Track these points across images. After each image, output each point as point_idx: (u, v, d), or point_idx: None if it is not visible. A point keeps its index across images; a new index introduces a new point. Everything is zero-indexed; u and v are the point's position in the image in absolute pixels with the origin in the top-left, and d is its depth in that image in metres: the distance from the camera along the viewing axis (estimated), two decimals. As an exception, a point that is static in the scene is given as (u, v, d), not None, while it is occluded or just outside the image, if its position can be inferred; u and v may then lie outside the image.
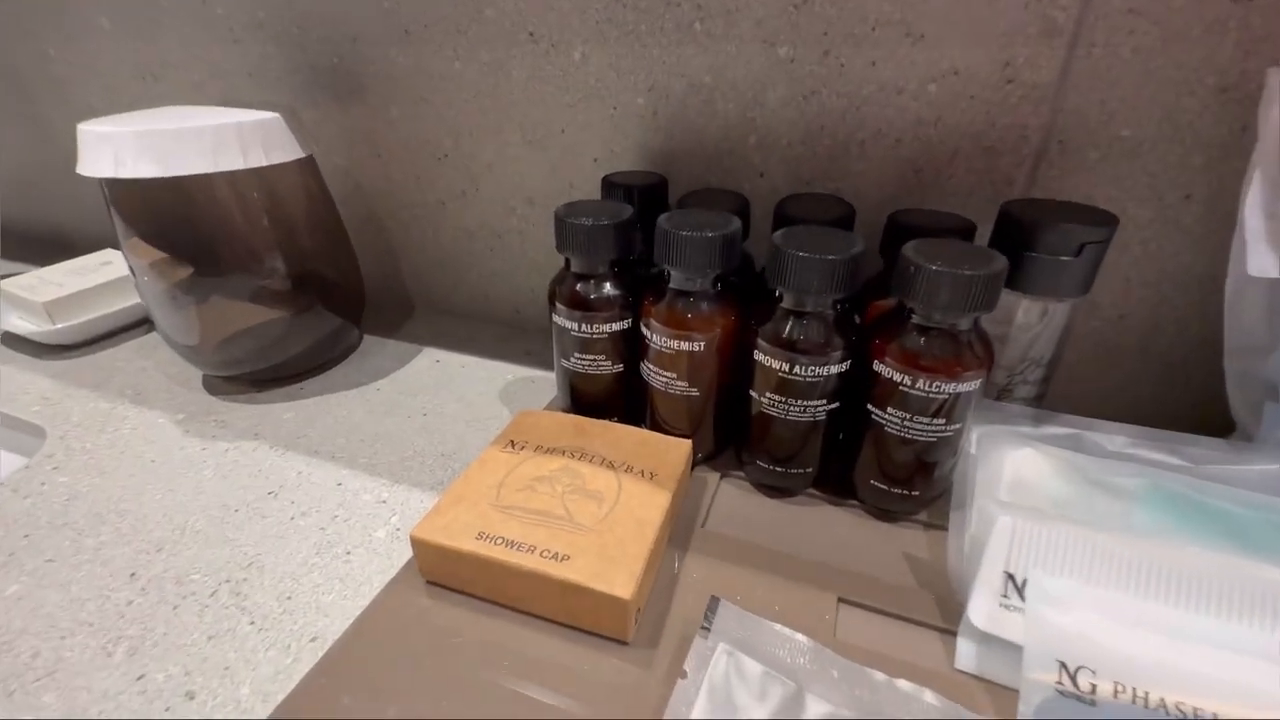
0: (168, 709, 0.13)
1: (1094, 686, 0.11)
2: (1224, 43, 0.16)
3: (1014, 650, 0.12)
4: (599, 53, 0.21)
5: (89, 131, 0.19)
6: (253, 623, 0.15)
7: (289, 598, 0.16)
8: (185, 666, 0.14)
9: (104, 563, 0.17)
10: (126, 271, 0.30)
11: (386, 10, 0.23)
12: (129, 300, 0.29)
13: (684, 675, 0.12)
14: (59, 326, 0.27)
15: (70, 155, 0.23)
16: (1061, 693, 0.12)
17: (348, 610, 0.15)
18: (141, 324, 0.30)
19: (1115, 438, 0.17)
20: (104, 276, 0.29)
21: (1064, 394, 0.21)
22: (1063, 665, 0.12)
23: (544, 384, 0.25)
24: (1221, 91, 0.16)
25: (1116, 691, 0.11)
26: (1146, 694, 0.11)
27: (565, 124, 0.23)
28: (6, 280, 0.28)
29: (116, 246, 0.33)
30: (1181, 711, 0.11)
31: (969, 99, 0.18)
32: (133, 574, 0.16)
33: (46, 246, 0.40)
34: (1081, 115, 0.17)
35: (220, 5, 0.26)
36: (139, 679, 0.14)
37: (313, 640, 0.14)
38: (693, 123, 0.21)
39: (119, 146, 0.19)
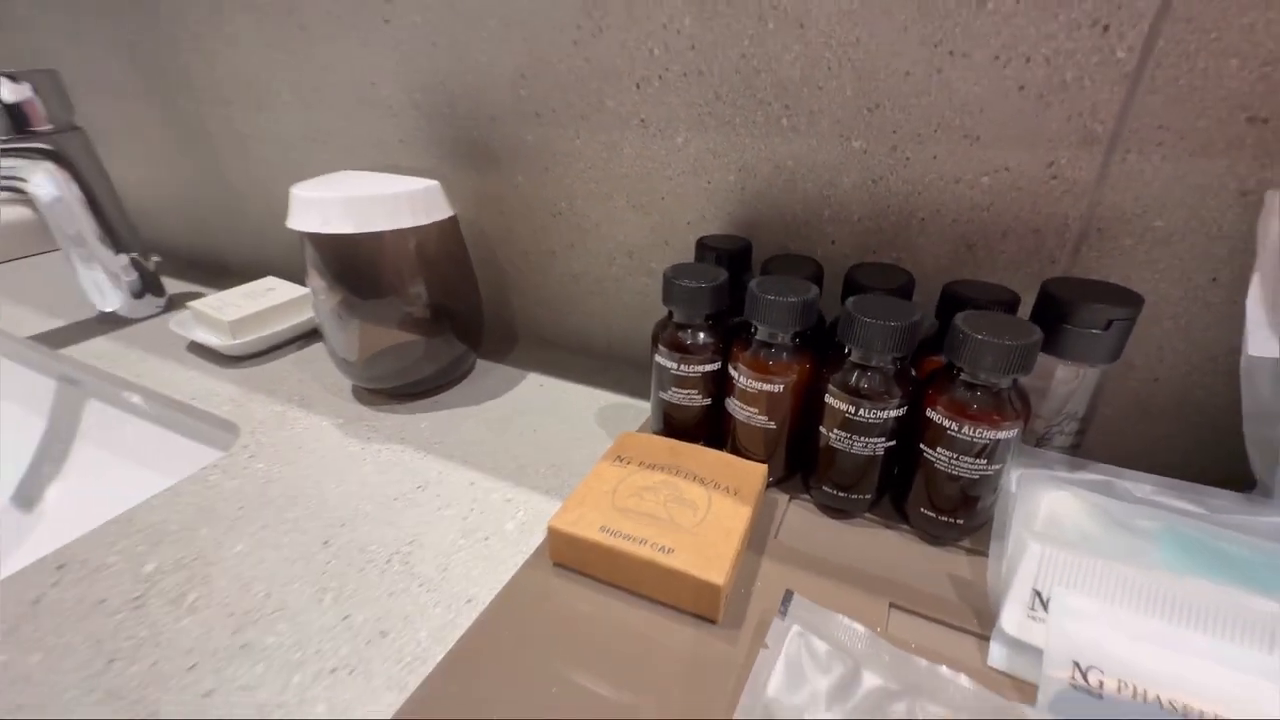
0: (368, 642, 0.17)
1: (1101, 683, 0.14)
2: (1243, 155, 0.18)
3: (1036, 652, 0.15)
4: (699, 138, 0.26)
5: (302, 196, 0.25)
6: (421, 585, 0.19)
7: (445, 569, 0.20)
8: (376, 613, 0.18)
9: (302, 532, 0.21)
10: (288, 296, 0.36)
11: (522, 98, 0.28)
12: (290, 321, 0.35)
13: (765, 646, 0.16)
14: (239, 341, 0.33)
15: (242, 199, 0.28)
16: (1074, 687, 0.14)
17: (492, 582, 0.19)
18: (297, 340, 0.35)
19: (1142, 485, 0.19)
20: (271, 300, 0.35)
21: (1101, 444, 0.24)
22: (1076, 664, 0.15)
23: (633, 410, 0.29)
24: (1242, 195, 0.19)
25: (1120, 688, 0.14)
26: (1146, 691, 0.14)
27: (665, 193, 0.27)
28: (197, 301, 0.35)
29: (273, 273, 0.40)
30: (1175, 708, 0.14)
31: (1017, 190, 0.21)
32: (325, 542, 0.21)
33: (208, 270, 0.47)
34: (1118, 208, 0.20)
35: (384, 87, 0.32)
36: (344, 619, 0.18)
37: (468, 602, 0.19)
38: (776, 198, 0.25)
39: (326, 209, 0.24)
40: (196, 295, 0.39)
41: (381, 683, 0.16)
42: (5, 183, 0.33)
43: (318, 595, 0.19)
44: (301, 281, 0.31)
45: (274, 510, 0.22)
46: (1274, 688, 0.14)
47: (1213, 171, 0.19)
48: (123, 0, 0.38)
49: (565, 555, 0.19)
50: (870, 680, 0.15)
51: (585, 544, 0.18)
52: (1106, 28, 0.18)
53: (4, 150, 0.33)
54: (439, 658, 0.16)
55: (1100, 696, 0.14)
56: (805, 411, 0.21)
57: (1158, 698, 0.14)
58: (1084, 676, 0.14)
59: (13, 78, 0.32)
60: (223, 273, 0.47)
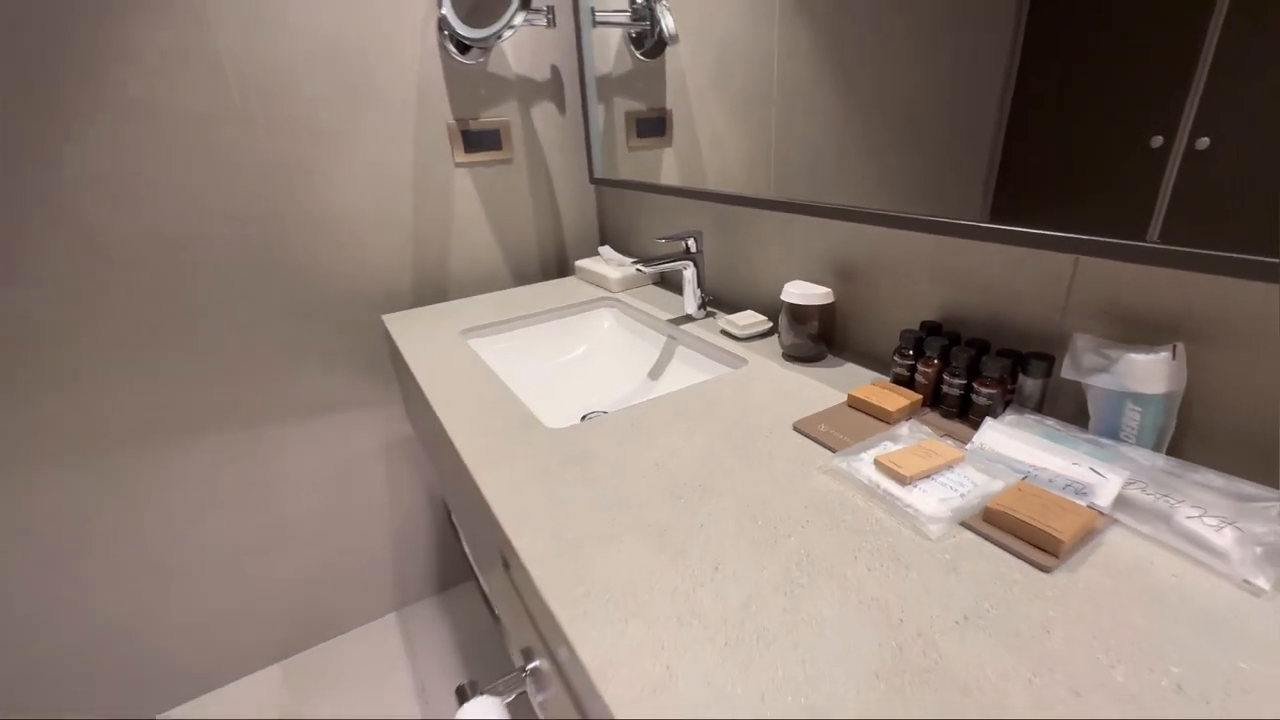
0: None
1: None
2: None
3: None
4: (939, 283, 0.67)
5: (791, 290, 0.75)
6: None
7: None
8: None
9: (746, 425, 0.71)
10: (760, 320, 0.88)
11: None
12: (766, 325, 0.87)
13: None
14: (741, 335, 0.86)
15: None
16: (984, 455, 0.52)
17: (830, 411, 0.65)
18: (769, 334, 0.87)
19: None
20: (754, 321, 0.87)
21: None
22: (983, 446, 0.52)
23: (893, 384, 0.71)
24: None
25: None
26: (1018, 459, 0.51)
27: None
28: (722, 315, 0.90)
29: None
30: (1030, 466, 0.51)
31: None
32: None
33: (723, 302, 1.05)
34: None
35: (818, 244, 0.80)
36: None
37: (823, 412, 0.65)
38: None
39: (797, 289, 0.74)
40: (721, 310, 0.95)
41: (801, 419, 0.64)
42: None
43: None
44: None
45: (739, 404, 0.72)
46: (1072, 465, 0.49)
47: None
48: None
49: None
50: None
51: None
52: (1080, 272, 0.54)
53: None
54: (816, 418, 0.63)
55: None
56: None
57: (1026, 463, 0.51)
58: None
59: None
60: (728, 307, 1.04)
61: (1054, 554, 0.41)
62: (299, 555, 1.20)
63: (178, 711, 1.17)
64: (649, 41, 1.06)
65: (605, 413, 0.70)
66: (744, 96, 0.85)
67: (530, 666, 0.51)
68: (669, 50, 0.99)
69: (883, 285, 0.71)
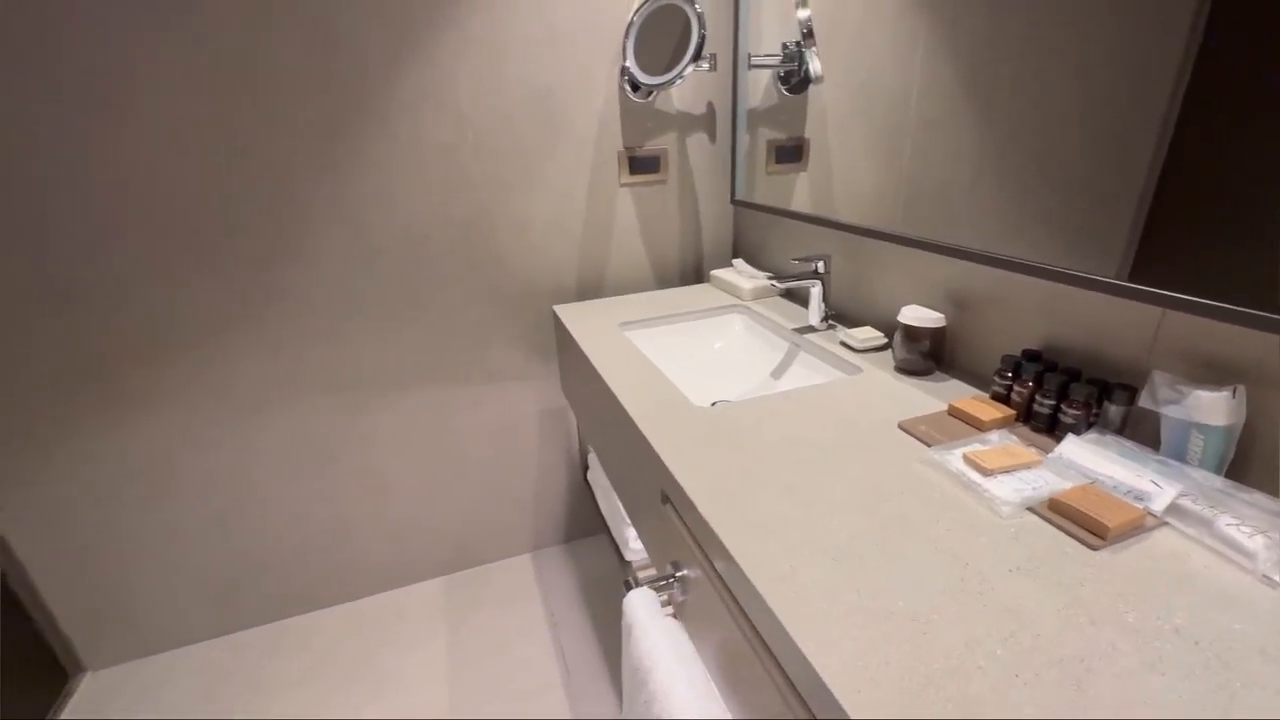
0: (902, 415, 0.79)
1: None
2: None
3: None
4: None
5: (906, 313, 0.88)
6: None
7: (921, 411, 0.80)
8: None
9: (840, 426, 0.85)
10: (876, 336, 1.02)
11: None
12: (880, 341, 1.00)
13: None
14: (859, 348, 1.00)
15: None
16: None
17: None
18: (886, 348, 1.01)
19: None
20: (871, 336, 1.01)
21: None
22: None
23: (993, 401, 0.82)
24: None
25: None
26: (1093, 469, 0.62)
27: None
28: (843, 329, 1.04)
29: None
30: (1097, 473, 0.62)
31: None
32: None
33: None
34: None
35: (936, 274, 0.92)
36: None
37: (926, 417, 0.78)
38: None
39: (913, 314, 0.87)
40: (843, 323, 1.09)
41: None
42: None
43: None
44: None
45: (817, 406, 0.87)
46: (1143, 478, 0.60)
47: None
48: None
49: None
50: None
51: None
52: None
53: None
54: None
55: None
56: (1042, 404, 0.72)
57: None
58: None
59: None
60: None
61: (1101, 536, 0.53)
62: (465, 492, 1.50)
63: (369, 600, 1.50)
64: (795, 79, 1.21)
65: (730, 401, 0.87)
66: (881, 126, 0.96)
67: (679, 574, 0.70)
68: (812, 86, 1.14)
69: (992, 316, 0.83)
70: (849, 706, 0.40)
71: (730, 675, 0.60)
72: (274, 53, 1.03)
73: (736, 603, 0.56)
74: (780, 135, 1.27)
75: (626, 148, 1.30)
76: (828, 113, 1.11)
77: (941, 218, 0.87)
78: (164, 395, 1.18)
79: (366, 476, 1.38)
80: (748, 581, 0.52)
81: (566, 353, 1.24)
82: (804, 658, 0.44)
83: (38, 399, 1.11)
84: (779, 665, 0.49)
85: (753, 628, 0.53)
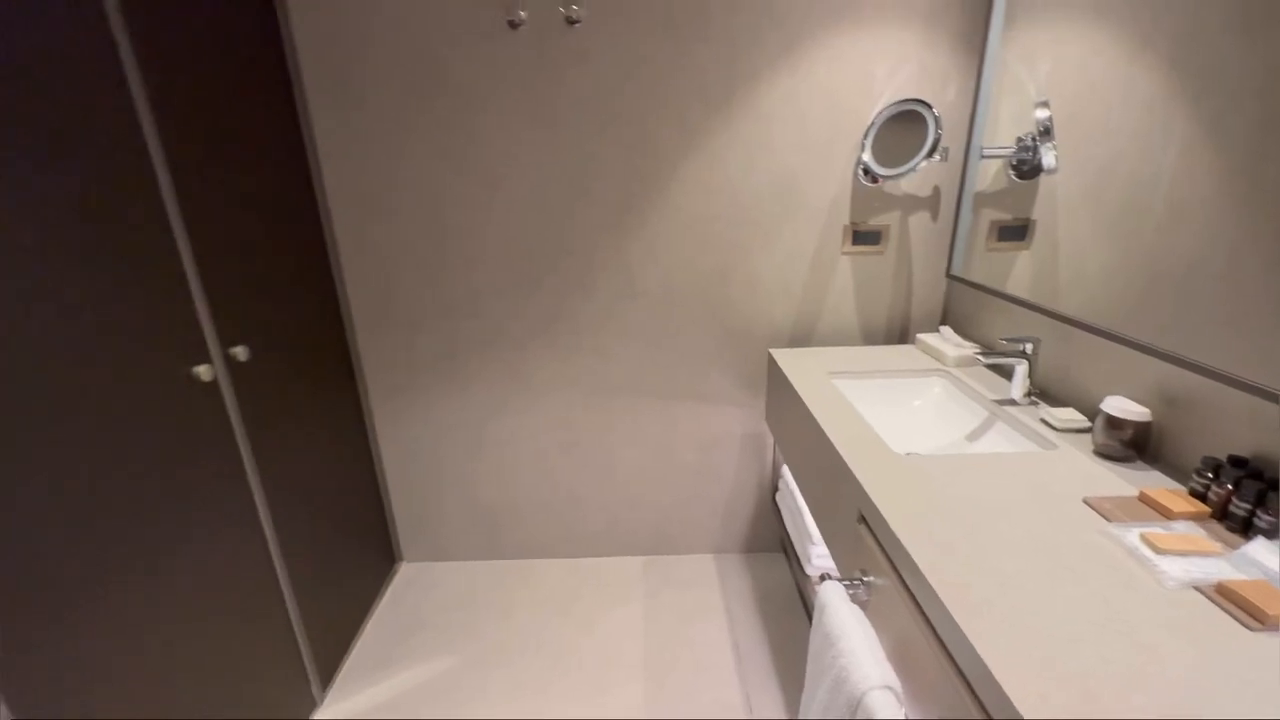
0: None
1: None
2: None
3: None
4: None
5: (1112, 402, 0.97)
6: (1103, 491, 0.90)
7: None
8: (1092, 490, 0.90)
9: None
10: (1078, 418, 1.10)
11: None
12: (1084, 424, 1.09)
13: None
14: (1061, 428, 1.09)
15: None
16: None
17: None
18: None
19: None
20: (1073, 418, 1.10)
21: None
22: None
23: (1192, 497, 0.89)
24: None
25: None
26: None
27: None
28: (1047, 408, 1.13)
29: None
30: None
31: None
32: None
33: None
34: None
35: (1148, 373, 0.99)
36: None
37: (1114, 498, 0.88)
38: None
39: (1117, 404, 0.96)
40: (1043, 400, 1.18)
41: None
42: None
43: (1079, 482, 0.93)
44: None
45: (1029, 482, 0.97)
46: None
47: None
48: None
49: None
50: (1202, 540, 0.77)
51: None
52: None
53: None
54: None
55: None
56: (1238, 506, 0.79)
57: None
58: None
59: (1027, 334, 1.19)
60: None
61: (1260, 621, 0.63)
62: (671, 489, 1.81)
63: (587, 560, 1.89)
64: (1026, 168, 1.32)
65: (921, 454, 1.04)
66: (1118, 210, 0.97)
67: (865, 579, 0.90)
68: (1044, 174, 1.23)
69: (1203, 418, 0.89)
70: (1002, 680, 0.58)
71: (902, 656, 0.79)
72: (601, 151, 1.45)
73: (915, 600, 0.75)
74: (1005, 216, 1.38)
75: (852, 222, 1.51)
76: (1058, 194, 1.19)
77: (1186, 302, 0.85)
78: (488, 377, 1.67)
79: (598, 461, 1.76)
80: (927, 585, 0.71)
81: (776, 388, 1.48)
82: (968, 641, 0.63)
83: (417, 368, 1.66)
84: (946, 650, 0.68)
85: (926, 620, 0.72)
